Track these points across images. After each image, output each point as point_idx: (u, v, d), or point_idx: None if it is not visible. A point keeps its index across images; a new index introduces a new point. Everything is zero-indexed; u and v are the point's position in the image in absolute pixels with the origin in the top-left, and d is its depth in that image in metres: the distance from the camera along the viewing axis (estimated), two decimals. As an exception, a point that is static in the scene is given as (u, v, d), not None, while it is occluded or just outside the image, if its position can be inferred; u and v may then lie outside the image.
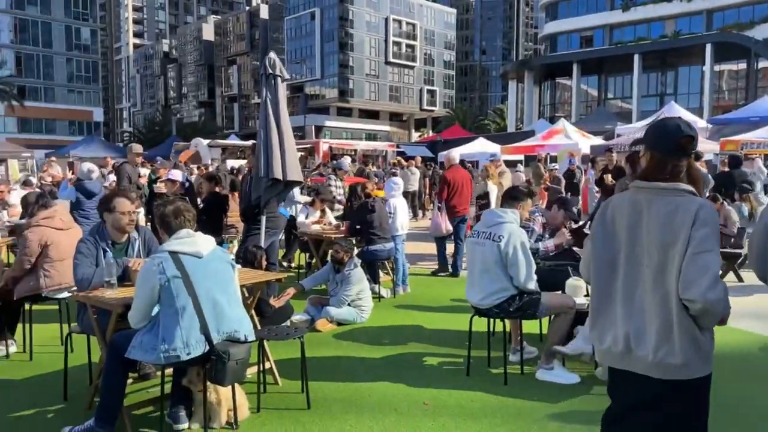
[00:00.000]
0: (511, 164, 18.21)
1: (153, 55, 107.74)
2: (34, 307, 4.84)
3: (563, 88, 47.25)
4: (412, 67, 79.76)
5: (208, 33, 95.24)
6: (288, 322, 5.09)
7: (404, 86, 79.59)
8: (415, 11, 79.11)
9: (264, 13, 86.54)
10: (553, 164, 16.56)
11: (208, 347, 3.10)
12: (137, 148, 8.96)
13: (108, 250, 3.86)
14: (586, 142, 17.88)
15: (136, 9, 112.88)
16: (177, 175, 7.56)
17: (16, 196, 9.08)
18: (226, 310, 3.19)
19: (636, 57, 39.09)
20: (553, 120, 32.69)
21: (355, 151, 22.91)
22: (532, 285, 4.22)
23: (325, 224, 7.97)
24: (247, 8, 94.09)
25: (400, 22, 77.54)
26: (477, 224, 4.50)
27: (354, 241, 6.81)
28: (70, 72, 62.23)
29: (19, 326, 4.94)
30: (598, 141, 18.20)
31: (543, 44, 57.20)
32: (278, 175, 5.55)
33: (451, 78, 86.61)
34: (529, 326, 5.02)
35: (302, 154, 21.32)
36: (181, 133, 56.21)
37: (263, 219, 5.85)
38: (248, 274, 4.27)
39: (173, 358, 3.05)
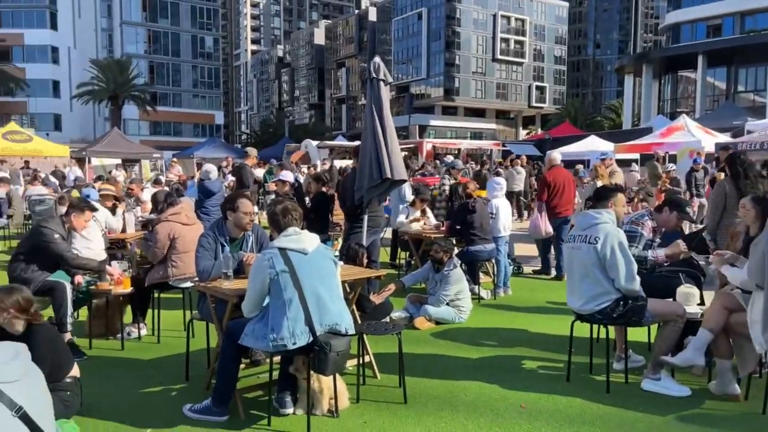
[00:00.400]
0: (626, 163, 17.28)
1: (268, 61, 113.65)
2: (162, 294, 5.39)
3: (686, 82, 43.91)
4: (520, 64, 77.84)
5: (319, 37, 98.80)
6: (387, 319, 5.23)
7: (512, 83, 77.86)
8: (525, 6, 77.07)
9: (372, 15, 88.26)
10: (671, 164, 15.50)
11: (311, 338, 3.29)
12: (254, 152, 9.76)
13: (226, 245, 4.20)
14: (710, 140, 16.53)
15: (253, 17, 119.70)
16: (287, 176, 7.99)
17: (147, 194, 10.03)
18: (328, 304, 3.37)
19: (772, 46, 35.49)
20: (673, 116, 30.54)
21: (459, 150, 22.79)
22: (636, 285, 4.02)
23: (425, 223, 8.06)
24: (356, 12, 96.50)
25: (508, 18, 75.92)
26: (572, 228, 4.37)
27: (454, 241, 6.85)
28: (195, 78, 67.29)
29: (149, 312, 5.50)
30: (725, 138, 16.79)
31: (664, 35, 53.50)
32: (387, 174, 5.72)
33: (562, 74, 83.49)
34: (637, 334, 4.81)
35: (406, 153, 21.56)
36: (293, 134, 58.90)
37: (365, 218, 6.05)
38: (350, 271, 4.46)
39: (280, 346, 3.28)
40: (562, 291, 5.28)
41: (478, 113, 75.60)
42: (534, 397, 4.03)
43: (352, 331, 3.49)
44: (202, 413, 3.63)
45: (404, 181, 6.49)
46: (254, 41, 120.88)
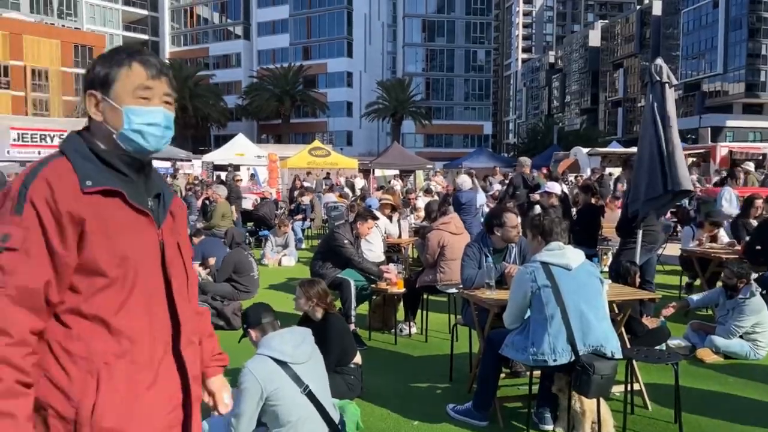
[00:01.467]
0: None
1: (539, 68, 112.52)
2: (430, 297, 5.80)
3: None
4: None
5: (595, 39, 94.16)
6: (663, 346, 4.75)
7: (843, 71, 63.13)
8: None
9: (657, 9, 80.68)
10: None
11: (573, 357, 3.19)
12: (528, 161, 9.52)
13: (489, 255, 4.34)
14: None
15: (525, 26, 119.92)
16: (554, 187, 7.81)
17: (421, 202, 10.88)
18: (592, 323, 3.23)
19: None
20: None
21: (764, 155, 19.22)
22: None
23: (714, 241, 7.06)
24: (638, 7, 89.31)
25: (839, -9, 61.83)
26: None
27: (750, 265, 5.86)
28: (466, 91, 70.23)
29: (418, 312, 5.94)
30: None
31: None
32: (669, 185, 5.22)
33: None
34: None
35: (693, 160, 19.14)
36: (562, 141, 57.14)
37: (639, 233, 5.58)
38: (619, 290, 4.19)
39: (540, 361, 3.25)
40: None
41: (793, 110, 63.17)
42: None
43: (618, 355, 3.28)
44: (464, 415, 3.79)
45: (689, 192, 5.80)
46: (525, 49, 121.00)
